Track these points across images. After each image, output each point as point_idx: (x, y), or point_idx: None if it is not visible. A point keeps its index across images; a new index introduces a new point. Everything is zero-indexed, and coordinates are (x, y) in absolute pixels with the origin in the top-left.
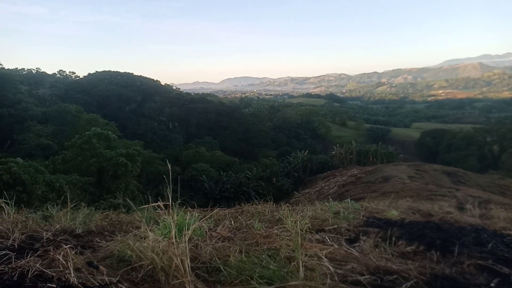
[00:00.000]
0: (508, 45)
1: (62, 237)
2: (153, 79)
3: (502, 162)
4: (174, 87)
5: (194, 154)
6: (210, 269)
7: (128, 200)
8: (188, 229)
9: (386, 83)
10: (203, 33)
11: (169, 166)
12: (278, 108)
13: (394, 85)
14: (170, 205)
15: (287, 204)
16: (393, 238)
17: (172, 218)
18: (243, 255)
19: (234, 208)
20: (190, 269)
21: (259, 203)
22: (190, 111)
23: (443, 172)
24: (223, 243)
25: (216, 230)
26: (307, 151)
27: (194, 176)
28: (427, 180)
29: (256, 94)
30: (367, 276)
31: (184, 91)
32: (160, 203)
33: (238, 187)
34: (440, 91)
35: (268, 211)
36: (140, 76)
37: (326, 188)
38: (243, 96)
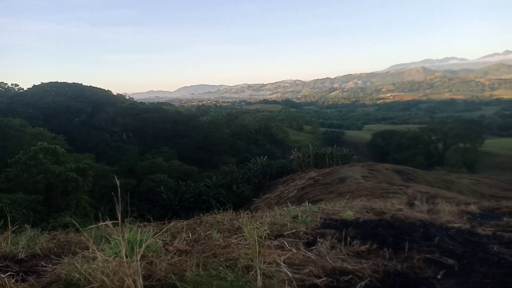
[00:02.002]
0: (447, 50)
1: (1, 264)
2: (104, 89)
3: (446, 158)
4: (127, 97)
5: (150, 165)
6: (166, 286)
7: (76, 217)
8: (140, 246)
9: (338, 88)
10: (157, 41)
11: (117, 181)
12: (236, 115)
13: (345, 89)
14: (120, 221)
15: (248, 211)
16: (348, 238)
17: (122, 235)
18: (200, 269)
19: (193, 219)
20: None
21: (218, 212)
22: (145, 121)
23: (394, 170)
24: (180, 258)
25: (172, 244)
26: (266, 157)
27: (151, 188)
28: (379, 179)
29: (213, 102)
30: (324, 279)
31: (138, 101)
32: (108, 222)
33: (198, 196)
34: (388, 94)
35: (227, 220)
36: (90, 86)
37: (286, 192)
38: (200, 104)
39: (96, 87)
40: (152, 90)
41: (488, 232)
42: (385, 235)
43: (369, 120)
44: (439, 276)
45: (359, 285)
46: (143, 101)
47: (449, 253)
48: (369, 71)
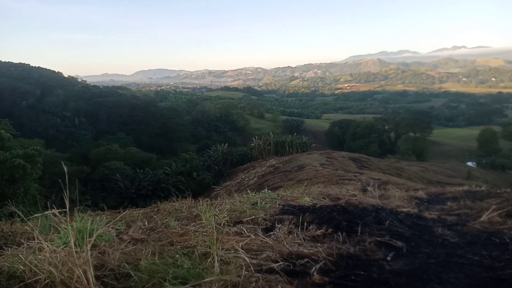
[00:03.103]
0: (401, 43)
1: None
2: (54, 71)
3: (397, 147)
4: (79, 80)
5: (105, 152)
6: (119, 276)
7: (24, 207)
8: (91, 235)
9: (299, 77)
10: (113, 21)
11: (65, 167)
12: (196, 101)
13: (306, 79)
14: (68, 209)
15: (207, 198)
16: (305, 224)
17: (71, 224)
18: (156, 257)
19: (150, 207)
20: (94, 279)
21: (177, 200)
22: (99, 105)
23: (349, 158)
24: (135, 247)
25: (127, 233)
26: (227, 144)
27: (106, 176)
28: (336, 166)
29: (172, 87)
30: (280, 263)
31: (92, 84)
32: (55, 210)
33: (157, 184)
34: (346, 85)
35: (186, 208)
36: (38, 67)
37: (246, 179)
38: (158, 89)
39: (46, 69)
40: (106, 73)
41: (434, 216)
42: (340, 220)
43: (327, 110)
44: (388, 258)
45: (314, 268)
46: (97, 84)
47: (398, 236)
48: (328, 62)
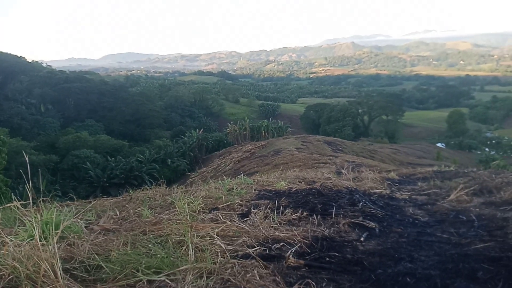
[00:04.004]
0: (375, 27)
1: None
2: (16, 55)
3: (371, 130)
4: (44, 65)
5: (74, 140)
6: (90, 268)
7: None
8: (58, 227)
9: (274, 60)
10: (78, 2)
11: (26, 157)
12: (169, 86)
13: (281, 62)
14: (31, 201)
15: (183, 185)
16: (281, 208)
17: (35, 217)
18: (128, 247)
19: (122, 196)
20: (62, 272)
21: (150, 188)
22: (66, 91)
23: (324, 142)
24: (105, 237)
25: (98, 223)
26: (202, 130)
27: (76, 165)
28: (312, 150)
29: (144, 72)
30: (256, 248)
31: (57, 69)
32: (16, 203)
33: (130, 172)
34: (321, 69)
35: (160, 196)
36: None
37: (223, 165)
38: (129, 73)
39: (5, 53)
40: (73, 58)
41: (405, 196)
42: (315, 203)
43: (302, 94)
44: (362, 238)
45: (289, 251)
46: (63, 69)
47: (371, 217)
48: (303, 45)
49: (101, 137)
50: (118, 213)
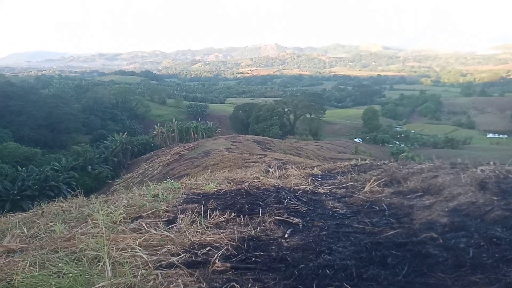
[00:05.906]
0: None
1: None
2: None
3: (296, 128)
4: None
5: None
6: None
7: None
8: None
9: (200, 60)
10: None
11: None
12: (87, 87)
13: (207, 62)
14: None
15: (104, 194)
16: (209, 211)
17: None
18: (36, 268)
19: (32, 210)
20: None
21: (66, 199)
22: None
23: (254, 141)
24: (9, 259)
25: (1, 243)
26: (126, 133)
27: None
28: (242, 150)
29: (57, 72)
30: (182, 255)
31: None
32: None
33: (44, 183)
34: (247, 69)
35: (76, 207)
36: None
37: (150, 169)
38: (39, 74)
39: None
40: None
41: (326, 190)
42: (242, 203)
43: (231, 94)
44: (286, 235)
45: (215, 255)
46: None
47: (295, 213)
48: (229, 46)
49: (8, 144)
50: (26, 230)
